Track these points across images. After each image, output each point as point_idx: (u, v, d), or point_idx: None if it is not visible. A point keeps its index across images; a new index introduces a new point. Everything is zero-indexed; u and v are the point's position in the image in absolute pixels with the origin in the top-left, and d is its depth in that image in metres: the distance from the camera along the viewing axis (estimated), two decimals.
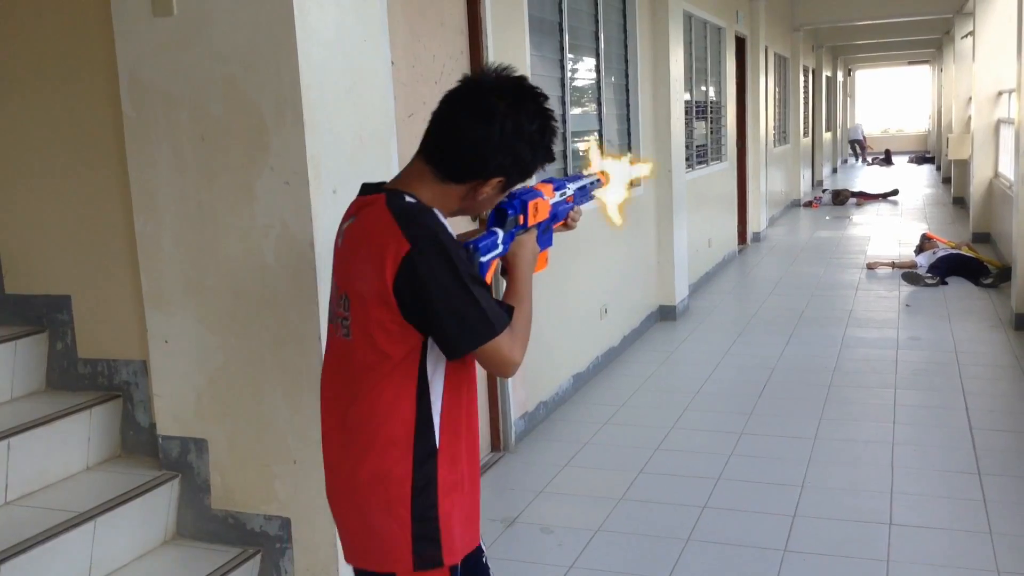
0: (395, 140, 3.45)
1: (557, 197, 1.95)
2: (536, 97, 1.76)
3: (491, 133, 1.68)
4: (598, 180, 2.11)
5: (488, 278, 1.81)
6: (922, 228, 11.94)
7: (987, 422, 4.83)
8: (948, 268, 8.74)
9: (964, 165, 13.41)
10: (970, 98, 12.31)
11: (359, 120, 3.12)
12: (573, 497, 4.14)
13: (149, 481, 3.17)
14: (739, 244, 11.27)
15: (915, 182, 20.39)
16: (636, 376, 6.03)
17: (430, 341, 1.71)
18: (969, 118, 12.61)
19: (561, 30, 5.61)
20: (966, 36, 13.46)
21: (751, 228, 11.85)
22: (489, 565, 2.01)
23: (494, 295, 1.76)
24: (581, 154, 6.06)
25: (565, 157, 5.60)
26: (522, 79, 1.77)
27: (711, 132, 9.82)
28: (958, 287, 8.41)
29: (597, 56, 6.25)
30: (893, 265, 9.42)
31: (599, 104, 6.29)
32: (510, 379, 4.55)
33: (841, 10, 15.31)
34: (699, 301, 8.33)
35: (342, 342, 1.76)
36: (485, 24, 4.46)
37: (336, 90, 2.99)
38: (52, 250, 3.50)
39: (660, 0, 7.30)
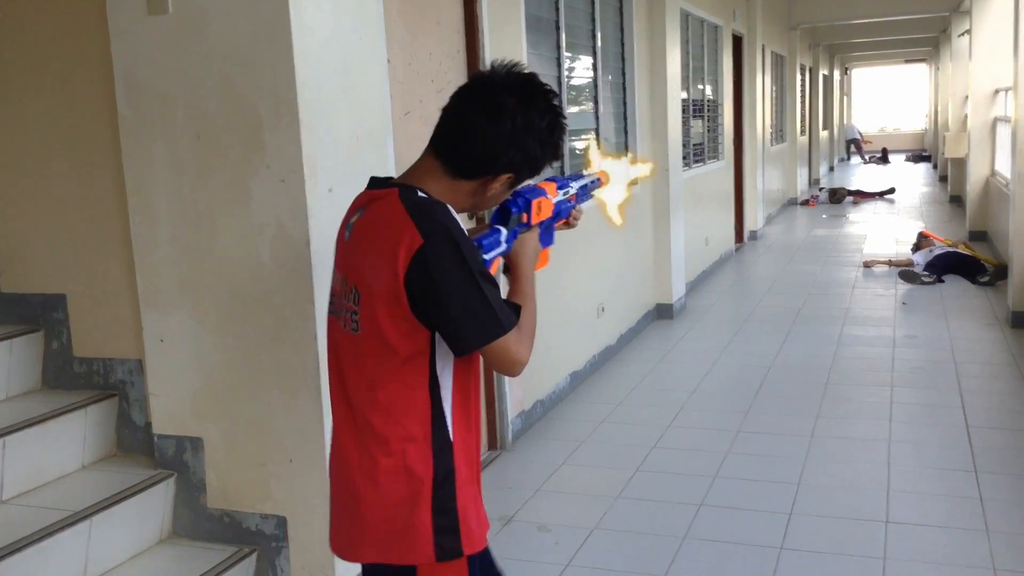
0: (391, 139, 3.45)
1: (560, 196, 1.95)
2: (546, 94, 1.77)
3: (502, 129, 1.70)
4: (598, 179, 2.12)
5: None
6: (919, 226, 11.95)
7: (984, 420, 4.83)
8: (945, 266, 8.75)
9: (961, 163, 13.43)
10: (967, 96, 12.32)
11: (355, 118, 3.12)
12: (570, 495, 4.14)
13: (145, 480, 3.16)
14: (736, 243, 11.28)
15: (912, 180, 20.40)
16: (633, 374, 6.03)
17: (438, 337, 1.70)
18: (966, 116, 12.61)
19: (558, 28, 5.60)
20: (963, 34, 13.47)
21: (748, 227, 11.86)
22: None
23: None
24: (579, 152, 6.07)
25: (562, 155, 5.59)
26: (532, 76, 1.78)
27: (708, 131, 9.82)
28: (955, 285, 8.41)
29: (594, 54, 6.25)
30: (890, 263, 9.43)
31: (596, 103, 6.29)
32: (507, 377, 4.55)
33: (838, 9, 15.32)
34: (696, 300, 8.33)
35: (350, 336, 1.75)
36: (482, 22, 4.46)
37: (332, 88, 2.98)
38: (48, 249, 3.49)
39: None
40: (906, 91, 35.50)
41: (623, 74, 6.92)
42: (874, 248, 10.82)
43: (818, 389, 5.48)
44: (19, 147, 3.47)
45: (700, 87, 9.44)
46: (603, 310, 6.26)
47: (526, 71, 1.78)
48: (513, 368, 1.74)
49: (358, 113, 3.13)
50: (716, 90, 10.17)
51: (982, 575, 3.29)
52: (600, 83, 6.34)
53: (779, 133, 15.28)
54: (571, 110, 5.88)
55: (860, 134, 29.21)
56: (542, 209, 1.88)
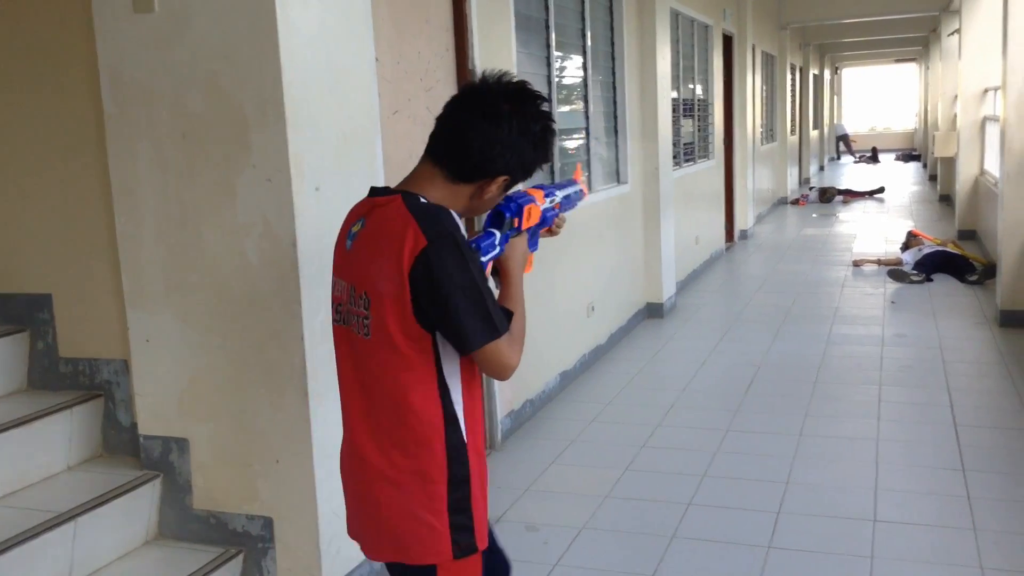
0: (379, 137, 3.44)
1: (547, 203, 2.02)
2: (537, 100, 1.86)
3: (499, 134, 1.78)
4: (581, 191, 2.19)
5: None
6: (908, 225, 11.98)
7: (972, 419, 4.84)
8: (934, 265, 8.77)
9: (950, 162, 13.47)
10: (956, 96, 12.37)
11: (343, 117, 3.11)
12: (559, 495, 4.13)
13: (130, 481, 3.15)
14: (726, 242, 11.29)
15: (901, 180, 20.47)
16: (623, 374, 6.03)
17: (441, 341, 1.76)
18: (955, 116, 12.66)
19: (548, 27, 5.59)
20: (952, 34, 13.52)
21: (738, 226, 11.87)
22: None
23: None
24: (570, 152, 6.06)
25: (552, 158, 5.58)
26: (524, 83, 1.86)
27: (698, 130, 9.83)
28: (944, 284, 8.44)
29: (584, 54, 6.24)
30: (879, 262, 9.45)
31: (586, 102, 6.28)
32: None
33: (828, 8, 15.35)
34: (686, 299, 8.33)
35: (362, 341, 1.80)
36: (471, 21, 4.45)
37: (319, 87, 2.97)
38: (33, 249, 3.47)
39: None
40: (896, 90, 35.61)
41: (613, 73, 6.92)
42: (863, 247, 10.84)
43: (807, 388, 5.48)
44: (4, 146, 3.45)
45: (690, 86, 9.45)
46: (593, 309, 6.26)
47: (516, 79, 1.86)
48: (504, 372, 1.80)
49: (345, 112, 3.12)
50: (706, 89, 10.17)
51: (970, 573, 3.29)
52: (590, 82, 6.33)
53: (769, 132, 15.31)
54: (561, 110, 5.87)
55: (846, 132, 29.32)
56: (532, 215, 1.95)
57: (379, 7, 3.66)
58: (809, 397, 5.31)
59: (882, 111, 36.38)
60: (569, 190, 2.13)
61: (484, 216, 1.95)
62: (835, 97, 30.86)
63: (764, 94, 14.43)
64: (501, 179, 1.83)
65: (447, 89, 4.36)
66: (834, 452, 4.48)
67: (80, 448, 3.35)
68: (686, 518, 3.81)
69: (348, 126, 3.14)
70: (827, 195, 16.33)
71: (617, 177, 7.03)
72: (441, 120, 1.85)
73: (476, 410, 1.85)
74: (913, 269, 8.79)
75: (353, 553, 3.13)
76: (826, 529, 3.67)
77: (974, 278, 8.43)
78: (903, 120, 34.54)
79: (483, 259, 1.85)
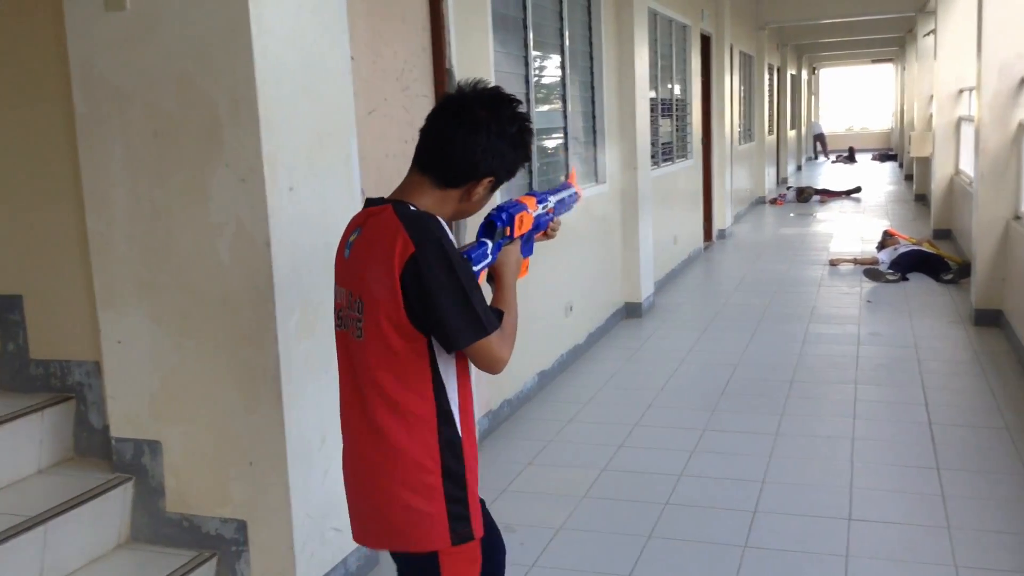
0: (355, 137, 3.42)
1: (539, 210, 2.11)
2: (511, 103, 1.96)
3: (478, 139, 1.89)
4: (576, 193, 2.27)
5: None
6: (884, 225, 12.07)
7: (946, 417, 4.88)
8: (909, 264, 8.84)
9: (926, 162, 13.59)
10: (932, 96, 12.46)
11: (317, 117, 3.09)
12: (536, 495, 4.12)
13: (102, 484, 3.12)
14: (705, 241, 11.32)
15: (878, 179, 20.62)
16: (601, 373, 6.03)
17: (435, 342, 1.86)
18: (931, 116, 12.76)
19: (525, 27, 5.59)
20: (928, 34, 13.63)
21: (717, 225, 11.91)
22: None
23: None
24: (549, 152, 6.06)
25: (530, 157, 5.58)
26: (497, 88, 1.98)
27: (677, 130, 9.85)
28: (919, 283, 8.50)
29: (562, 53, 6.24)
30: (855, 261, 9.51)
31: (564, 101, 6.28)
32: (473, 378, 4.53)
33: (805, 9, 15.43)
34: (665, 298, 8.35)
35: (355, 343, 1.90)
36: (448, 20, 4.43)
37: (293, 86, 2.95)
38: (3, 249, 3.43)
39: None
40: (873, 91, 35.86)
41: (591, 73, 6.92)
42: (840, 246, 10.91)
43: (783, 387, 5.51)
44: None
45: (669, 86, 9.47)
46: (571, 309, 6.26)
47: (491, 85, 1.98)
48: (495, 366, 1.91)
49: (320, 111, 3.10)
50: (685, 89, 10.20)
51: (943, 572, 3.31)
52: (568, 82, 6.33)
53: (747, 132, 15.37)
54: (540, 109, 5.87)
55: (823, 134, 29.53)
56: (524, 223, 2.04)
57: (354, 6, 3.64)
58: (785, 396, 5.33)
59: (859, 111, 36.64)
60: (563, 194, 2.21)
61: (478, 226, 2.04)
62: (812, 97, 31.05)
63: (742, 94, 14.49)
64: (486, 181, 1.94)
65: (424, 88, 4.35)
66: (810, 451, 4.50)
67: (51, 451, 3.31)
68: (663, 518, 3.82)
69: (323, 125, 3.12)
70: (804, 195, 16.42)
71: (595, 177, 7.03)
72: (424, 132, 1.96)
73: (469, 405, 1.96)
74: (889, 268, 8.85)
75: (327, 556, 3.12)
76: (802, 528, 3.69)
77: (949, 277, 8.50)
78: (880, 120, 34.80)
79: (475, 268, 1.94)
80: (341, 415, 2.01)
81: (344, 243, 1.98)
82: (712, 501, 3.97)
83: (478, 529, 1.94)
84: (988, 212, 6.76)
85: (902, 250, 9.13)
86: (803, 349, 6.37)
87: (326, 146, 3.15)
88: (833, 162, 27.38)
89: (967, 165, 9.53)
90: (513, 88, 5.49)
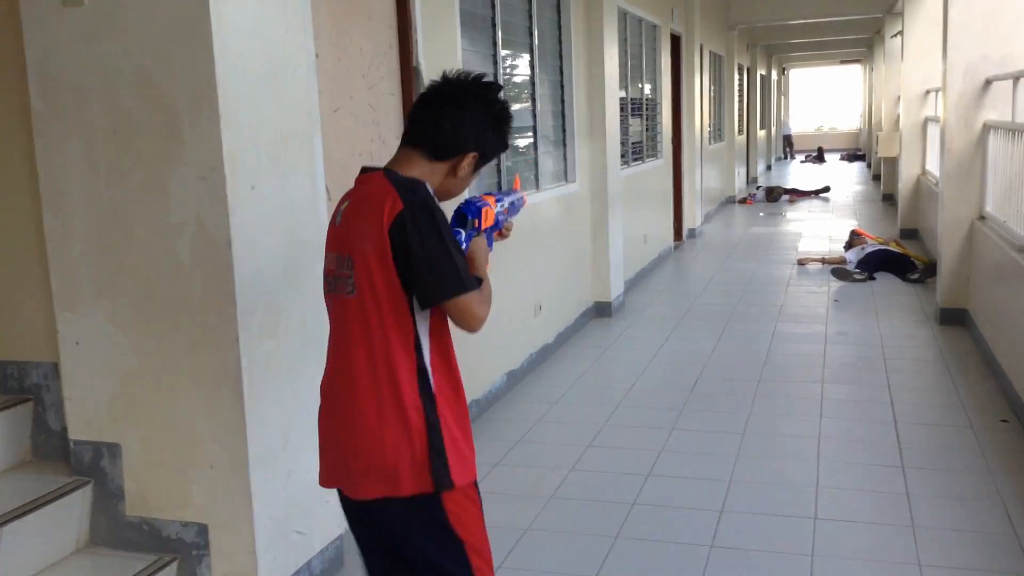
0: (319, 135, 3.39)
1: (498, 208, 2.25)
2: (494, 88, 2.15)
3: (464, 115, 2.06)
4: (522, 198, 2.40)
5: None
6: (852, 224, 12.16)
7: (911, 416, 4.92)
8: (876, 264, 8.91)
9: (893, 162, 13.72)
10: (899, 97, 12.58)
11: (280, 114, 3.05)
12: (503, 496, 4.10)
13: (60, 487, 3.06)
14: (675, 240, 11.36)
15: (846, 179, 20.79)
16: (570, 373, 6.02)
17: (415, 302, 1.97)
18: (898, 116, 12.87)
19: (494, 26, 5.56)
20: (895, 36, 13.75)
21: (687, 224, 11.95)
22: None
23: None
24: (520, 150, 6.04)
25: (508, 143, 5.56)
26: (481, 75, 2.16)
27: (647, 129, 9.87)
28: (886, 282, 8.57)
29: (531, 52, 6.22)
30: (823, 261, 9.58)
31: (534, 100, 6.26)
32: None
33: (775, 10, 15.54)
34: (635, 297, 8.36)
35: (347, 300, 2.00)
36: (415, 18, 4.40)
37: (255, 83, 2.91)
38: None
39: None
40: (842, 91, 36.18)
41: (561, 72, 6.91)
42: (809, 246, 10.98)
43: (751, 386, 5.53)
44: None
45: (639, 86, 9.49)
46: (540, 308, 6.24)
47: (476, 73, 2.17)
48: (473, 323, 2.01)
49: (283, 109, 3.06)
50: (655, 89, 10.22)
51: (908, 571, 3.33)
52: (538, 81, 6.31)
53: (717, 132, 15.45)
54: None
55: (790, 134, 29.80)
56: (488, 217, 2.19)
57: (319, 3, 3.60)
58: (753, 395, 5.35)
59: (828, 111, 36.96)
60: (512, 197, 2.36)
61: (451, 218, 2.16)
62: (782, 97, 31.27)
63: (712, 94, 14.55)
64: (471, 156, 2.10)
65: (391, 86, 4.31)
66: (776, 450, 4.52)
67: (8, 454, 3.24)
68: (630, 518, 3.81)
69: (286, 123, 3.08)
70: (774, 194, 16.53)
71: (565, 176, 7.03)
72: (414, 111, 2.12)
73: (448, 364, 2.06)
74: (856, 268, 8.92)
75: (291, 559, 3.08)
76: (767, 527, 3.69)
77: (915, 276, 8.58)
78: (848, 120, 35.13)
79: None
80: (324, 379, 2.12)
81: (336, 212, 2.10)
82: (679, 501, 3.97)
83: (458, 478, 2.01)
84: (953, 212, 6.83)
85: (869, 250, 9.21)
86: (771, 348, 6.40)
87: (290, 144, 3.11)
88: (802, 162, 27.60)
89: (933, 165, 9.62)
90: None
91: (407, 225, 1.91)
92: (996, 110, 6.52)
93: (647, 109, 9.88)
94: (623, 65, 8.55)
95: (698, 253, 11.04)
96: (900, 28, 12.17)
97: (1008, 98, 6.04)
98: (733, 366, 6.00)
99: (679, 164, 11.59)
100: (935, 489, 4.00)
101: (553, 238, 6.54)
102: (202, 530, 2.95)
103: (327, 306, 2.11)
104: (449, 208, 2.08)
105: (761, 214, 14.69)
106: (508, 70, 5.85)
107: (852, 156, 27.80)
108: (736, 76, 17.32)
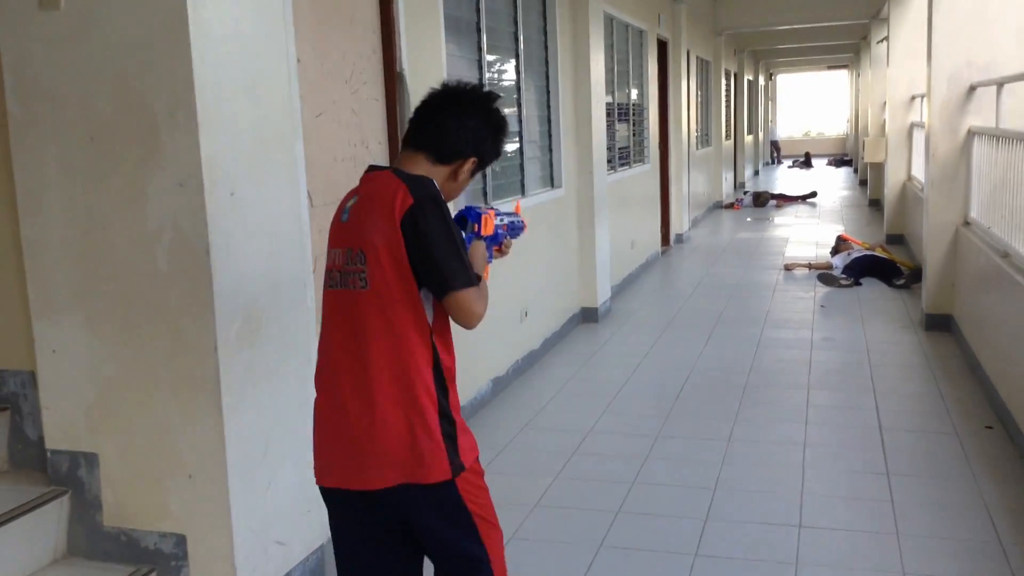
0: (301, 140, 3.36)
1: (498, 220, 2.37)
2: (493, 98, 2.26)
3: (466, 121, 2.18)
4: (523, 223, 2.51)
5: None
6: (839, 230, 12.19)
7: (896, 422, 4.91)
8: (862, 269, 8.93)
9: (880, 168, 13.75)
10: (885, 102, 12.62)
11: (260, 120, 3.02)
12: None
13: (37, 498, 3.01)
14: (662, 246, 11.36)
15: (833, 184, 20.86)
16: (556, 379, 6.00)
17: (424, 294, 2.05)
18: (884, 122, 12.91)
19: (479, 30, 5.55)
20: (881, 41, 13.80)
21: (674, 230, 11.95)
22: None
23: None
24: (508, 155, 6.02)
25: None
26: (481, 85, 2.34)
27: (633, 134, 9.87)
28: (872, 288, 8.59)
29: (516, 57, 6.21)
30: (810, 266, 9.59)
31: (519, 105, 6.25)
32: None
33: (762, 15, 15.57)
34: (621, 303, 8.35)
35: (360, 293, 2.05)
36: (398, 23, 4.37)
37: (234, 88, 2.88)
38: None
39: (580, 2, 7.30)
40: (829, 96, 36.31)
41: (547, 77, 6.90)
42: (795, 251, 11.00)
43: (737, 392, 5.52)
44: None
45: (625, 91, 9.49)
46: (527, 314, 6.22)
47: (474, 83, 2.34)
48: (471, 318, 2.07)
49: (263, 114, 3.04)
50: (641, 94, 10.22)
51: None
52: (523, 86, 6.30)
53: (705, 137, 15.47)
54: None
55: (777, 140, 29.90)
56: (487, 225, 2.31)
57: (301, 7, 3.57)
58: (739, 401, 5.34)
59: (815, 116, 37.09)
60: (513, 218, 2.47)
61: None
62: (770, 103, 31.37)
63: (699, 99, 14.57)
64: (471, 161, 2.20)
65: (374, 92, 4.29)
66: (762, 457, 4.50)
67: None
68: (614, 526, 3.79)
69: (266, 129, 3.05)
70: (761, 199, 16.56)
71: (551, 181, 7.01)
72: (417, 116, 2.22)
73: (451, 358, 2.15)
74: (842, 273, 8.93)
75: (270, 570, 3.04)
76: (752, 535, 3.68)
77: (901, 282, 8.59)
78: (836, 125, 35.25)
79: None
80: (320, 375, 2.15)
81: (342, 209, 2.17)
82: (664, 509, 3.95)
83: (466, 459, 2.11)
84: (938, 218, 6.84)
85: (855, 255, 9.22)
86: (757, 354, 6.39)
87: (270, 150, 3.08)
88: (790, 167, 27.69)
89: (919, 171, 9.64)
90: None
91: (418, 218, 1.99)
92: (980, 116, 6.54)
93: (634, 114, 9.88)
94: (609, 70, 8.55)
95: (685, 258, 11.05)
96: (886, 34, 12.21)
97: (992, 104, 6.06)
98: (719, 372, 5.99)
99: (666, 169, 11.59)
100: (920, 496, 3.99)
101: (539, 244, 6.52)
102: (180, 541, 2.91)
103: (326, 302, 2.15)
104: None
105: (748, 219, 14.72)
106: (492, 75, 5.83)
107: (839, 161, 27.90)
108: (723, 81, 17.36)
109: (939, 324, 6.83)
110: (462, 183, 2.23)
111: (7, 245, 3.13)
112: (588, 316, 7.66)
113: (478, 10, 5.52)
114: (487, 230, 2.29)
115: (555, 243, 6.94)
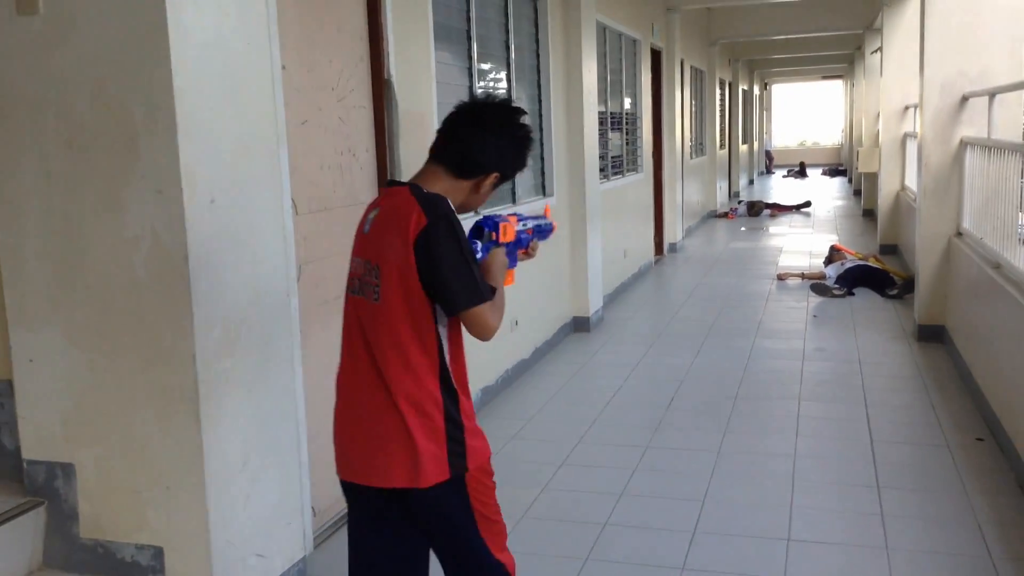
0: (285, 148, 3.33)
1: (520, 227, 2.39)
2: (519, 113, 2.30)
3: (489, 139, 2.22)
4: (551, 224, 2.55)
5: None
6: (832, 239, 12.17)
7: (887, 434, 4.88)
8: (855, 279, 8.90)
9: (874, 178, 13.74)
10: (879, 112, 12.62)
11: (241, 127, 2.99)
12: None
13: (13, 508, 2.98)
14: (656, 255, 11.33)
15: (828, 194, 20.88)
16: (546, 389, 5.96)
17: (437, 308, 2.12)
18: (878, 132, 12.91)
19: (469, 38, 5.52)
20: (875, 52, 13.81)
21: (668, 239, 11.93)
22: None
23: None
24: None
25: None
26: (508, 100, 2.36)
27: (627, 143, 9.85)
28: (864, 298, 8.56)
29: (508, 66, 6.18)
30: (803, 276, 9.57)
31: None
32: None
33: (756, 25, 15.59)
34: (614, 312, 8.32)
35: (374, 306, 2.13)
36: (386, 30, 4.34)
37: (214, 94, 2.85)
38: None
39: (573, 11, 7.28)
40: (824, 107, 36.43)
41: (538, 86, 6.87)
42: (789, 260, 10.98)
43: (727, 403, 5.48)
44: None
45: (619, 100, 9.47)
46: (517, 323, 6.18)
47: (502, 97, 2.37)
48: (485, 332, 2.14)
49: (245, 121, 3.00)
50: (635, 103, 10.21)
51: None
52: (515, 94, 6.27)
53: (699, 146, 15.46)
54: None
55: (768, 151, 29.98)
56: (507, 232, 2.33)
57: (287, 14, 3.54)
58: (729, 413, 5.30)
59: (810, 126, 37.20)
60: (540, 221, 2.51)
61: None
62: (765, 112, 31.42)
63: (693, 108, 14.57)
64: (493, 176, 2.24)
65: (362, 99, 4.25)
66: (751, 469, 4.46)
67: None
68: (601, 539, 3.74)
69: (248, 136, 3.02)
70: (755, 209, 16.55)
71: (543, 190, 6.98)
72: (442, 130, 2.27)
73: (461, 366, 2.22)
74: (835, 283, 8.90)
75: None
76: (740, 549, 3.63)
77: (894, 292, 8.57)
78: (830, 135, 35.35)
79: None
80: (341, 377, 2.24)
81: (364, 220, 2.25)
82: (652, 522, 3.90)
83: (473, 462, 2.18)
84: (931, 228, 6.82)
85: (848, 265, 9.20)
86: (748, 364, 6.36)
87: (252, 157, 3.05)
88: (784, 176, 27.71)
89: (912, 181, 9.63)
90: (457, 99, 5.40)
91: (430, 240, 2.06)
92: (973, 126, 6.52)
93: (627, 123, 9.86)
94: (602, 79, 8.53)
95: (679, 268, 11.02)
96: (880, 44, 12.22)
97: (984, 114, 6.04)
98: (710, 383, 5.96)
99: (660, 178, 11.57)
100: (910, 509, 3.95)
101: None
102: (157, 553, 2.87)
103: (347, 306, 2.24)
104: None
105: (743, 228, 14.70)
106: (483, 83, 5.80)
107: (834, 171, 27.93)
108: (718, 91, 17.37)
109: (931, 335, 6.81)
110: (484, 195, 2.29)
111: None
112: (580, 325, 7.62)
113: (469, 18, 5.49)
114: (507, 237, 2.33)
115: (547, 252, 6.88)
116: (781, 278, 9.64)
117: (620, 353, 6.88)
